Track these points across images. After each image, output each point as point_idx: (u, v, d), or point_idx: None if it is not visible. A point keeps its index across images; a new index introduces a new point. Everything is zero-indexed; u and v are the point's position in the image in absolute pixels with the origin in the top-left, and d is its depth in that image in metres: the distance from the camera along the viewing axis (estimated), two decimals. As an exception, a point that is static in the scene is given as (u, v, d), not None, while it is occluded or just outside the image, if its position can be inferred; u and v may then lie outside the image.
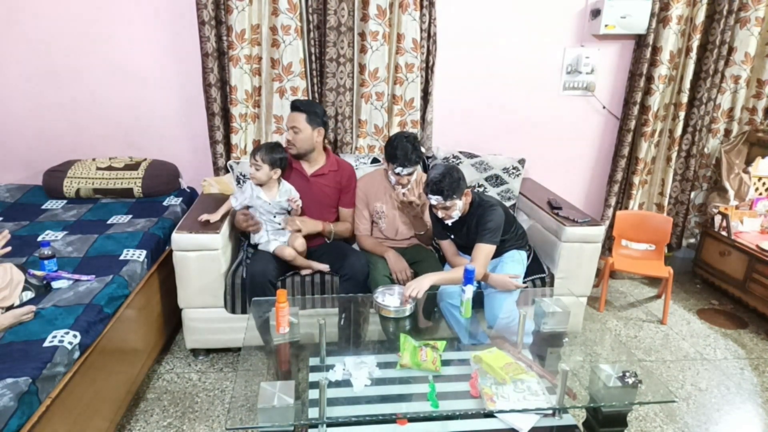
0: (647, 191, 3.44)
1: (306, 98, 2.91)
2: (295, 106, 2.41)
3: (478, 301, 2.17)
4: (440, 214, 2.14)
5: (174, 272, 2.32)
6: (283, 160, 2.34)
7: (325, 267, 2.42)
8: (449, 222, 2.16)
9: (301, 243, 2.38)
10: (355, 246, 2.63)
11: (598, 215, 3.46)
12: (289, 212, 2.44)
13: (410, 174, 2.36)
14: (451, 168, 2.09)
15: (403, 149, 2.28)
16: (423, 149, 2.89)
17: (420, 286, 1.99)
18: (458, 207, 2.11)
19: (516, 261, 2.35)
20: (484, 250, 2.12)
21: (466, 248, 2.28)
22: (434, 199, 2.08)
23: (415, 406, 1.65)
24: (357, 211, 2.56)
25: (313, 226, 2.45)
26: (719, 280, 3.28)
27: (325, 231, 2.49)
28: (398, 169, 2.32)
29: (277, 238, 2.39)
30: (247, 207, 2.40)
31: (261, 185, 2.35)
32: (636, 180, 3.29)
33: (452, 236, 2.32)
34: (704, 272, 3.41)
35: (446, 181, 2.03)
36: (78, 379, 1.68)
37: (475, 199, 2.22)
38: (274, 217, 2.39)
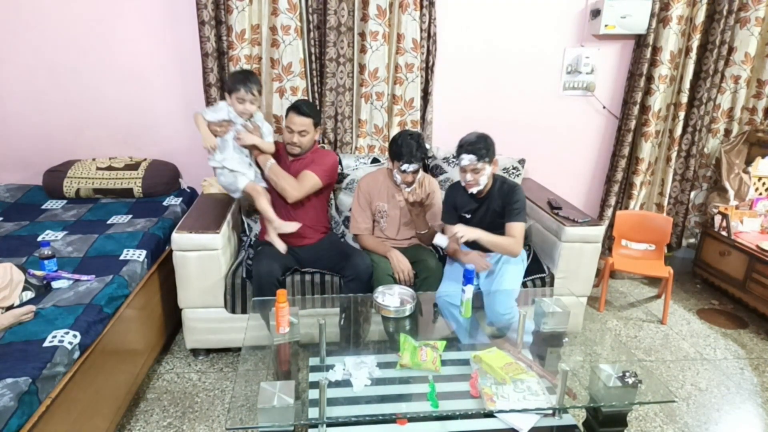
0: (647, 191, 3.44)
1: (306, 99, 2.90)
2: (305, 112, 2.38)
3: (478, 302, 2.17)
4: (469, 176, 2.17)
5: (174, 272, 2.32)
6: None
7: (294, 226, 2.36)
8: (474, 190, 2.20)
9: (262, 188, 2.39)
10: (355, 244, 2.63)
11: (597, 215, 3.46)
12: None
13: (415, 172, 2.36)
14: (485, 134, 2.20)
15: (408, 146, 2.29)
16: (427, 146, 2.89)
17: (467, 232, 2.13)
18: (486, 173, 2.17)
19: (516, 258, 2.34)
20: (517, 227, 2.22)
21: (475, 240, 2.25)
22: (467, 159, 2.13)
23: (415, 406, 1.66)
24: (358, 209, 2.54)
25: (256, 139, 2.36)
26: (719, 280, 3.28)
27: (264, 147, 2.39)
28: (404, 167, 2.31)
29: (245, 160, 2.36)
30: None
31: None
32: (637, 180, 3.29)
33: (468, 216, 2.32)
34: (704, 272, 3.41)
35: (482, 143, 2.14)
36: (78, 379, 1.68)
37: (498, 177, 2.30)
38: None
